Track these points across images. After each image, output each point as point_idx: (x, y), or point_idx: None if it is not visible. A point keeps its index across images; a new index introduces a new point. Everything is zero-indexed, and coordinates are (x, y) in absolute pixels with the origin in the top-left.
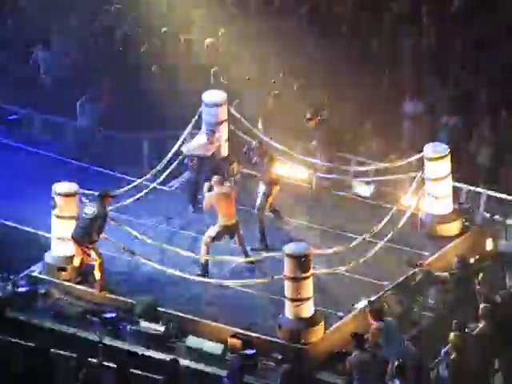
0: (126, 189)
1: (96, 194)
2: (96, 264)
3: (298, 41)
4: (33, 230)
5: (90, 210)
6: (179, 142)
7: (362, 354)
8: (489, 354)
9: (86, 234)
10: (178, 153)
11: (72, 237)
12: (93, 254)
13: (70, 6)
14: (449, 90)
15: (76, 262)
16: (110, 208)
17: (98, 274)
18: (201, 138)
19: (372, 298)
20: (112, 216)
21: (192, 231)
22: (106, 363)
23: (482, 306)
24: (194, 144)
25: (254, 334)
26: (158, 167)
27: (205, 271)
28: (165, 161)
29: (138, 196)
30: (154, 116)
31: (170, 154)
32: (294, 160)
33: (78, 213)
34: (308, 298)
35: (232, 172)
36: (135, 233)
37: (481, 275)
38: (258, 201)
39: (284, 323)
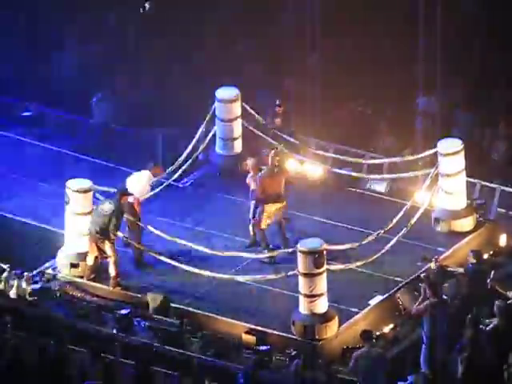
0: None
1: (113, 190)
2: (111, 261)
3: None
4: (47, 227)
5: (108, 206)
6: (195, 140)
7: (370, 350)
8: (503, 350)
9: (104, 230)
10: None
11: (89, 233)
12: (108, 250)
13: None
14: (463, 86)
15: (89, 260)
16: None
17: (113, 271)
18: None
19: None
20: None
21: (205, 227)
22: (122, 359)
23: (496, 302)
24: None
25: (268, 330)
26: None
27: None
28: (179, 158)
29: (152, 193)
30: (169, 112)
31: (184, 154)
32: (309, 156)
33: (93, 209)
34: (322, 294)
35: (244, 168)
36: (152, 228)
37: (494, 271)
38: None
39: (298, 319)
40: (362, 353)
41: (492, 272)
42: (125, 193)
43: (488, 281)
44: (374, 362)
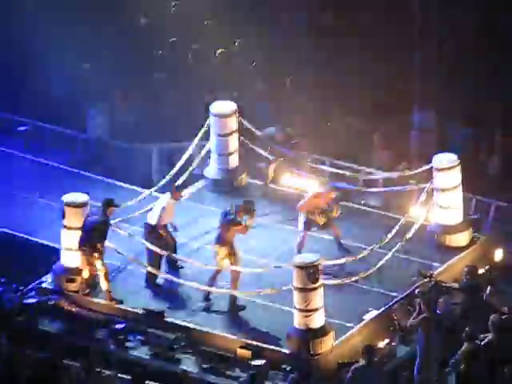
0: (134, 200)
1: (100, 203)
2: (101, 275)
3: (308, 54)
4: (42, 241)
5: (94, 217)
6: (187, 153)
7: (367, 365)
8: (497, 365)
9: (89, 242)
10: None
11: (78, 247)
12: (97, 263)
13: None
14: (459, 101)
15: (85, 273)
16: (120, 219)
17: (104, 285)
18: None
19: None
20: (119, 226)
21: (200, 242)
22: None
23: (491, 317)
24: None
25: (263, 345)
26: (167, 178)
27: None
28: (172, 172)
29: (148, 208)
30: (164, 127)
31: (177, 166)
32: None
33: (82, 222)
34: (317, 309)
35: (240, 183)
36: (144, 241)
37: (489, 286)
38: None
39: (293, 334)
40: (359, 367)
41: (488, 287)
42: (110, 204)
43: (483, 296)
44: (370, 376)
